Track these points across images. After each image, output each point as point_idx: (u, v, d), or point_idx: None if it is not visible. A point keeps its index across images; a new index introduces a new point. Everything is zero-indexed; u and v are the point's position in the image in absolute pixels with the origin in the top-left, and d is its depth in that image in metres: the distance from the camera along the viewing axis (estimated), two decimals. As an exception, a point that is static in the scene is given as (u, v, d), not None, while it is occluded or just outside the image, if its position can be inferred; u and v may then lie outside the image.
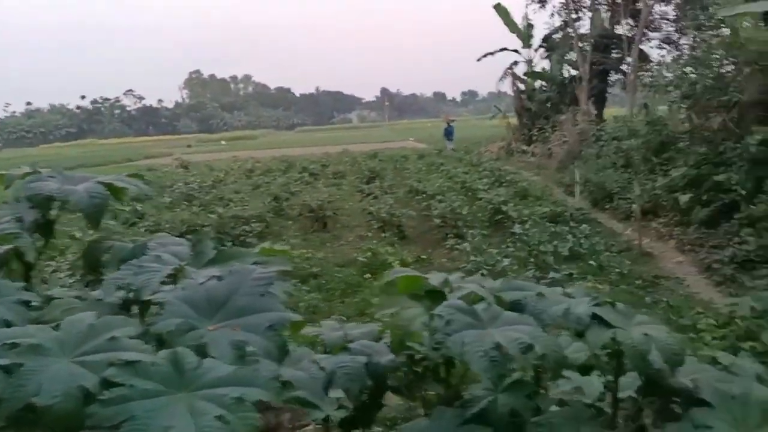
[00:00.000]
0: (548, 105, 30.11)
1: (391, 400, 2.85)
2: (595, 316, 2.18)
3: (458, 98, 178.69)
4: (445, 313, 1.97)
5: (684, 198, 11.94)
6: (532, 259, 10.03)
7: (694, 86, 14.00)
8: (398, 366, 2.25)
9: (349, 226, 13.80)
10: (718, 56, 13.50)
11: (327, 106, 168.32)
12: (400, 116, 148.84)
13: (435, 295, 2.17)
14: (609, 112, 30.68)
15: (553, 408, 2.42)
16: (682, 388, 2.15)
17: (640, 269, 9.81)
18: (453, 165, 23.69)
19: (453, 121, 34.25)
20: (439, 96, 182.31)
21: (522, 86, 32.28)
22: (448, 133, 32.06)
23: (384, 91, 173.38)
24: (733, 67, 13.13)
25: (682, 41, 25.09)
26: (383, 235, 12.32)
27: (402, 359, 2.39)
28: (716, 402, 2.02)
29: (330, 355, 2.40)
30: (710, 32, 14.85)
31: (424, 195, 15.42)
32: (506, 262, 9.79)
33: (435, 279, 2.27)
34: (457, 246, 11.01)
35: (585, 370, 2.60)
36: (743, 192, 10.38)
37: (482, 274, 8.99)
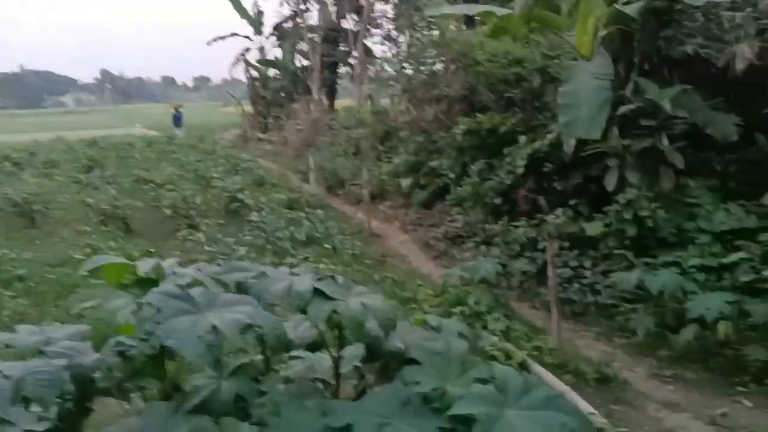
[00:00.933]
0: (282, 94, 30.51)
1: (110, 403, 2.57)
2: (317, 291, 2.21)
3: (190, 83, 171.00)
4: (155, 301, 1.80)
5: (405, 182, 13.07)
6: (269, 246, 10.07)
7: (411, 81, 15.41)
8: (107, 365, 2.02)
9: (64, 221, 12.31)
10: (430, 54, 14.98)
11: (35, 88, 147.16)
12: (124, 101, 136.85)
13: (146, 283, 1.99)
14: (341, 103, 32.21)
15: (281, 387, 2.40)
16: (396, 351, 2.29)
17: (370, 249, 10.49)
18: (185, 153, 22.67)
19: (181, 107, 32.67)
20: (169, 80, 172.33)
21: (255, 74, 32.18)
22: (177, 120, 30.54)
23: (105, 72, 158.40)
24: (442, 64, 14.68)
25: (400, 39, 27.35)
26: (105, 229, 11.26)
27: (113, 357, 2.15)
28: (423, 359, 2.19)
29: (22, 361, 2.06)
30: (423, 32, 16.35)
31: (153, 185, 14.47)
32: (243, 250, 9.68)
33: (145, 266, 2.08)
34: (191, 237, 10.56)
35: (314, 347, 2.63)
36: (452, 176, 11.70)
37: (218, 265, 8.78)
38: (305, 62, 30.77)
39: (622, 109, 8.08)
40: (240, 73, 45.64)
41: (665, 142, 7.86)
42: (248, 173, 17.29)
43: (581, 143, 8.63)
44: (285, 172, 18.46)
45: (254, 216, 11.65)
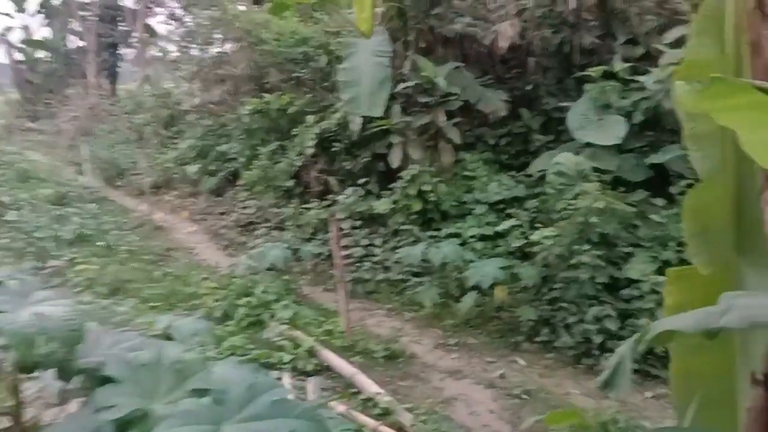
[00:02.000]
0: (54, 78, 27.20)
1: None
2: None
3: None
4: None
5: (192, 169, 12.22)
6: (31, 249, 8.75)
7: (196, 62, 14.47)
8: None
9: None
10: (216, 33, 14.15)
11: None
12: None
13: None
14: (127, 88, 29.46)
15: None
16: (90, 368, 1.83)
17: (152, 244, 9.59)
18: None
19: None
20: None
21: (21, 56, 28.32)
22: None
23: None
24: (230, 44, 13.93)
25: (186, 18, 25.61)
26: None
27: None
28: (123, 375, 1.75)
29: None
30: (206, 10, 15.37)
31: None
32: (-5, 255, 8.28)
33: None
34: (-73, 246, 8.81)
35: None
36: (242, 160, 11.13)
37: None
38: (81, 43, 27.71)
39: (402, 87, 8.17)
40: (2, 56, 39.99)
41: (442, 118, 8.09)
42: (9, 167, 15.04)
43: (367, 121, 8.61)
44: (57, 164, 16.41)
45: (12, 215, 10.07)
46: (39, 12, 28.69)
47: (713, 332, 1.51)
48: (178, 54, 16.37)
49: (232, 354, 5.40)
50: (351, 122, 8.89)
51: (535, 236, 6.18)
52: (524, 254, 6.71)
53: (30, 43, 28.54)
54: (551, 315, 5.91)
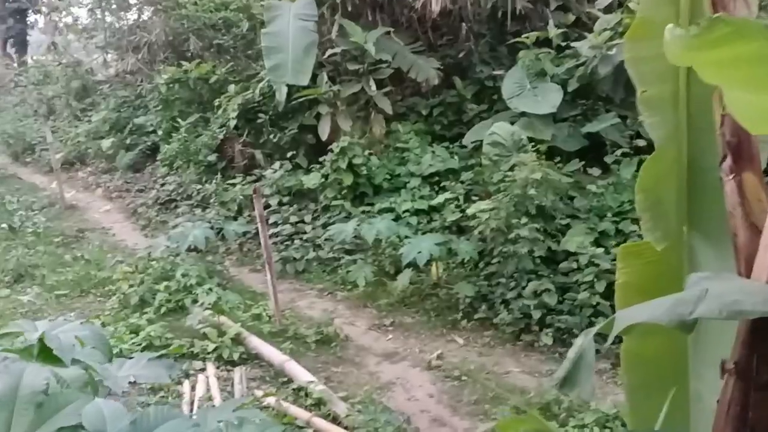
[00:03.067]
0: (-48, 46, 25.03)
1: None
2: None
3: None
4: None
5: (107, 143, 11.37)
6: None
7: (110, 29, 13.52)
8: None
9: None
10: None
11: None
12: None
13: None
14: (39, 57, 27.38)
15: None
16: None
17: (62, 225, 8.87)
18: None
19: None
20: None
21: None
22: None
23: None
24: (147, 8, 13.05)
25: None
26: None
27: None
28: (-41, 416, 1.35)
29: None
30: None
31: None
32: None
33: None
34: None
35: None
36: (161, 133, 10.44)
37: None
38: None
39: (329, 53, 7.74)
40: None
41: (373, 87, 7.73)
42: None
43: (294, 91, 8.13)
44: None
45: None
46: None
47: (689, 324, 1.26)
48: (90, 20, 15.28)
49: (149, 345, 4.97)
50: (277, 92, 8.37)
51: (471, 210, 5.94)
52: (460, 228, 6.48)
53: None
54: (489, 291, 5.72)
